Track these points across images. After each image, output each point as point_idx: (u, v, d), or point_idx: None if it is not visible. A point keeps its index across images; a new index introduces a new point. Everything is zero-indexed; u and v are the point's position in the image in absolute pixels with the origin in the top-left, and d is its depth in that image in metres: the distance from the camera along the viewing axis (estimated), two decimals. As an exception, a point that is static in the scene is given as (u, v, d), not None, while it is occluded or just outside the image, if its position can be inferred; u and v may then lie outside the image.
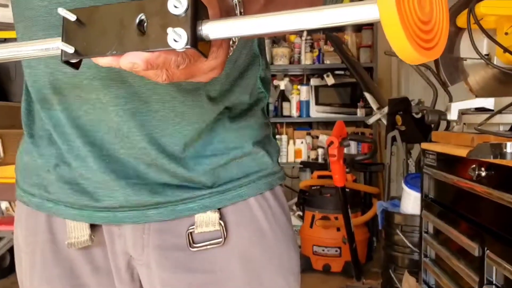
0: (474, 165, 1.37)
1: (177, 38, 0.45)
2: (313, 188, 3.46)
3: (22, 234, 0.80)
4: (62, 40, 0.49)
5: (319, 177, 3.55)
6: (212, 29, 0.47)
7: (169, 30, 0.45)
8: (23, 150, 0.79)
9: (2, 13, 2.13)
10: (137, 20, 0.47)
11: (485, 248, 1.33)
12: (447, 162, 1.66)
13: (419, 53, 0.41)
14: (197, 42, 0.46)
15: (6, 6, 2.14)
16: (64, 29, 0.49)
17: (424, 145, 1.87)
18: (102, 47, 0.48)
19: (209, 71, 0.52)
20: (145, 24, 0.47)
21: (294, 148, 4.27)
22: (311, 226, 3.31)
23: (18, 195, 0.80)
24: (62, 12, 0.48)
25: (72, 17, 0.48)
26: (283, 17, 0.46)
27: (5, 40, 2.11)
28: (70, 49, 0.48)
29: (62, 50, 0.49)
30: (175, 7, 0.45)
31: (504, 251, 1.25)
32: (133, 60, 0.46)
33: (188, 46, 0.45)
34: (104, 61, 0.48)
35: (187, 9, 0.45)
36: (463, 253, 1.49)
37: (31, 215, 0.78)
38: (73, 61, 0.50)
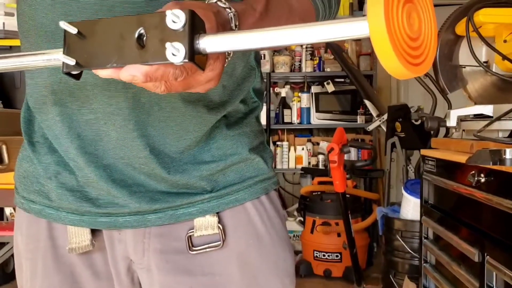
0: (473, 171, 1.38)
1: (175, 52, 0.46)
2: (313, 194, 3.46)
3: (22, 241, 0.80)
4: (64, 52, 0.50)
5: (320, 183, 3.56)
6: (209, 43, 0.48)
7: (168, 44, 0.46)
8: (23, 157, 0.79)
9: (8, 22, 2.15)
10: (137, 34, 0.48)
11: (485, 254, 1.33)
12: (447, 168, 1.66)
13: (407, 69, 0.42)
14: (195, 56, 0.48)
15: (12, 14, 2.16)
16: (65, 42, 0.50)
17: (424, 152, 1.88)
18: (103, 59, 0.49)
19: (206, 82, 0.54)
20: (144, 37, 0.48)
21: (295, 155, 4.27)
22: (312, 232, 3.31)
23: (18, 203, 0.80)
24: (64, 25, 0.49)
25: (73, 30, 0.50)
26: (277, 33, 0.48)
27: (10, 48, 2.14)
28: (71, 61, 0.50)
29: (63, 62, 0.50)
30: (174, 22, 0.47)
31: (504, 257, 1.25)
32: (133, 73, 0.48)
33: (186, 60, 0.47)
34: (104, 73, 0.50)
35: (185, 24, 0.47)
36: (463, 259, 1.49)
37: (32, 222, 0.79)
38: (74, 72, 0.51)
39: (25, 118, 0.79)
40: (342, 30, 0.45)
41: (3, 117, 1.81)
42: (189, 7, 0.51)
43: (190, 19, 0.47)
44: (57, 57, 0.51)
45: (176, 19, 0.46)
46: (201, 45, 0.48)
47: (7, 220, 2.84)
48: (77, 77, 0.52)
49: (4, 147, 1.62)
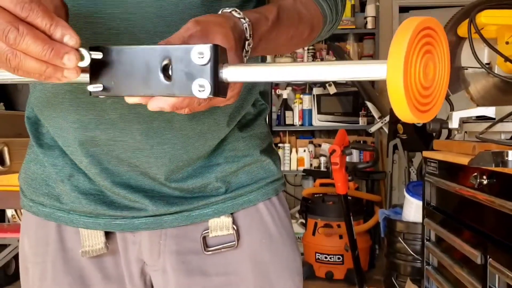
0: (475, 173, 1.38)
1: (201, 89, 0.48)
2: (315, 196, 3.46)
3: (30, 244, 0.80)
4: (90, 78, 0.51)
5: (322, 185, 3.55)
6: (231, 74, 0.50)
7: (194, 82, 0.48)
8: (31, 160, 0.79)
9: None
10: (162, 64, 0.50)
11: (488, 256, 1.33)
12: (449, 170, 1.66)
13: (415, 115, 0.44)
14: (220, 91, 0.50)
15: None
16: (91, 67, 0.51)
17: (426, 154, 1.88)
18: (130, 87, 0.51)
19: (226, 101, 0.56)
20: (170, 69, 0.49)
21: (297, 157, 4.27)
22: (313, 234, 3.31)
23: (26, 205, 0.80)
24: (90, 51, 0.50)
25: (98, 55, 0.51)
26: (298, 69, 0.50)
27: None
28: (99, 88, 0.51)
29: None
30: (199, 58, 0.48)
31: (506, 259, 1.25)
32: (161, 105, 0.51)
33: (211, 96, 0.49)
34: (132, 100, 0.52)
35: (209, 60, 0.48)
36: (466, 261, 1.49)
37: (41, 225, 0.78)
38: (102, 96, 0.53)
39: (31, 120, 0.78)
40: (361, 71, 0.47)
41: (5, 119, 1.82)
42: (208, 25, 0.54)
43: (214, 54, 0.49)
44: (83, 76, 0.52)
45: (200, 55, 0.48)
46: (223, 75, 0.50)
47: (9, 221, 2.83)
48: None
49: (6, 148, 1.62)
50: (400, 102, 0.43)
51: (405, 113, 0.44)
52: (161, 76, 0.50)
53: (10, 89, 2.16)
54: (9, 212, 2.80)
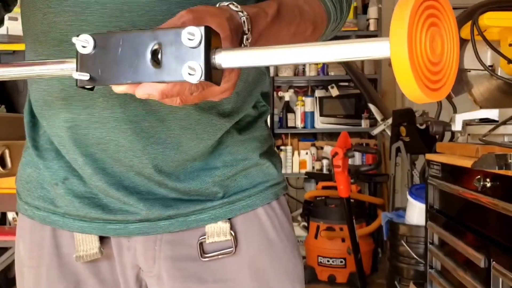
0: (479, 176, 1.37)
1: (192, 72, 0.46)
2: (318, 199, 3.45)
3: (25, 248, 0.79)
4: (77, 67, 0.50)
5: (324, 188, 3.54)
6: (224, 59, 0.48)
7: (184, 64, 0.46)
8: (27, 162, 0.78)
9: (12, 26, 2.15)
10: (151, 49, 0.48)
11: (491, 259, 1.32)
12: (452, 173, 1.65)
13: (425, 94, 0.41)
14: (212, 75, 0.47)
15: (15, 19, 2.17)
16: (78, 56, 0.50)
17: (429, 156, 1.87)
18: (117, 75, 0.49)
19: (221, 93, 0.54)
20: (159, 54, 0.47)
21: (299, 159, 4.27)
22: (316, 237, 3.30)
23: (22, 209, 0.79)
24: (76, 40, 0.49)
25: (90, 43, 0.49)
26: (296, 50, 0.47)
27: (13, 53, 2.15)
28: (85, 77, 0.49)
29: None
30: (189, 39, 0.46)
31: (510, 262, 1.24)
32: (149, 92, 0.49)
33: (203, 80, 0.46)
34: (119, 89, 0.50)
35: (200, 41, 0.46)
36: (469, 265, 1.48)
37: (36, 229, 0.77)
38: (88, 86, 0.51)
39: (29, 122, 0.78)
40: (362, 49, 0.44)
41: (6, 121, 1.81)
42: (202, 14, 0.51)
43: (206, 36, 0.46)
44: (71, 67, 0.51)
45: (191, 36, 0.46)
46: (216, 61, 0.48)
47: (10, 225, 2.83)
48: (91, 89, 0.52)
49: (7, 151, 1.61)
50: (407, 79, 0.40)
51: (414, 92, 0.41)
52: (150, 61, 0.48)
53: (11, 91, 2.16)
54: (10, 215, 2.80)
